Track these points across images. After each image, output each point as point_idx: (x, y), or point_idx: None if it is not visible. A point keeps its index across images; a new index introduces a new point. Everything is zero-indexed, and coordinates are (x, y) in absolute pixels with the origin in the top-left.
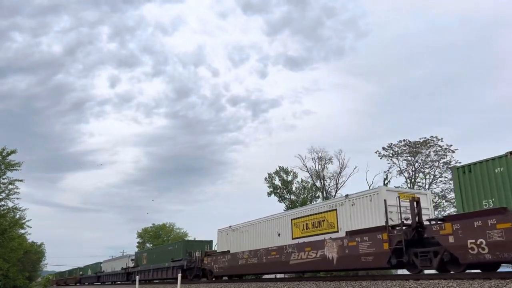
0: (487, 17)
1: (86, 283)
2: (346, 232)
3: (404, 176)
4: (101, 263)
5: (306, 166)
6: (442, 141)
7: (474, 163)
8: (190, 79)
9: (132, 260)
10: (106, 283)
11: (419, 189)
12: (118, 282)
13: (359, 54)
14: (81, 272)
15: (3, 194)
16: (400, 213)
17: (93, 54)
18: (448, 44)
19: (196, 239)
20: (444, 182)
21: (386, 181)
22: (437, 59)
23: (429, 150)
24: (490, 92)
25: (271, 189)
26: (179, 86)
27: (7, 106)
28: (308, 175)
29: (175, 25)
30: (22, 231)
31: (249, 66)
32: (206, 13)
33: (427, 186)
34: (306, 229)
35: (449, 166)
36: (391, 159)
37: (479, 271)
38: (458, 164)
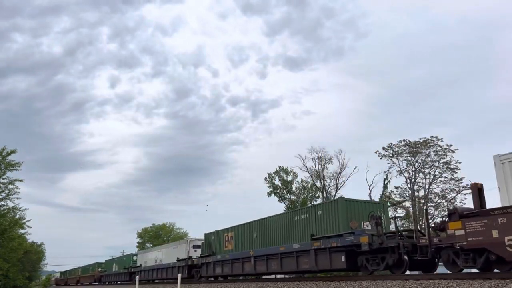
0: (487, 17)
1: (108, 282)
2: None
3: (404, 176)
4: (134, 254)
5: (306, 166)
6: (442, 141)
7: None
8: (190, 79)
9: (194, 246)
10: (142, 281)
11: (418, 189)
12: (170, 279)
13: (359, 55)
14: (99, 269)
15: (3, 194)
16: None
17: (93, 55)
18: (448, 44)
19: None
20: (444, 182)
21: (386, 181)
22: (437, 59)
23: (429, 150)
24: (490, 93)
25: (271, 189)
26: (179, 87)
27: (7, 106)
28: (308, 175)
29: (175, 26)
30: (22, 231)
31: (248, 67)
32: (205, 14)
33: (427, 186)
34: None
35: (448, 166)
36: (391, 159)
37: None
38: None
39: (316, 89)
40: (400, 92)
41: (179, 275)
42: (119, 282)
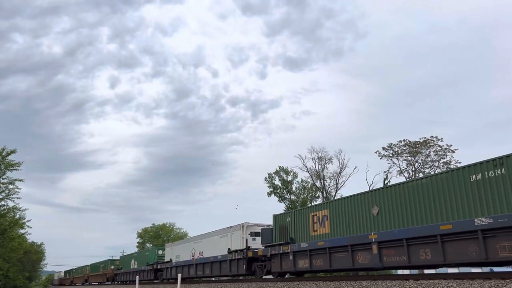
0: (485, 18)
1: (124, 282)
2: None
3: (404, 176)
4: (160, 248)
5: (306, 166)
6: (442, 141)
7: None
8: (190, 79)
9: (252, 234)
10: (171, 280)
11: None
12: (218, 277)
13: (358, 55)
14: (113, 266)
15: (3, 194)
16: None
17: (93, 55)
18: (447, 45)
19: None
20: None
21: (386, 181)
22: (436, 59)
23: (429, 150)
24: (491, 93)
25: (271, 189)
26: (179, 87)
27: (8, 107)
28: (308, 175)
29: (174, 26)
30: (22, 231)
31: (248, 67)
32: (205, 14)
33: None
34: None
35: (448, 166)
36: (391, 159)
37: (479, 270)
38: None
39: (315, 89)
40: (400, 92)
41: (179, 275)
42: (152, 282)
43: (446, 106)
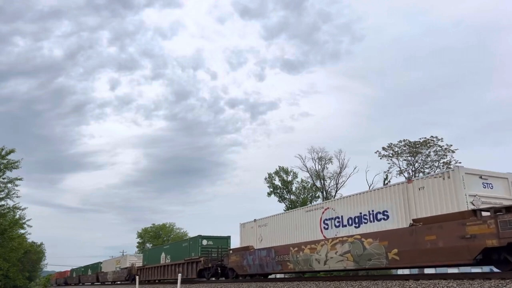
0: (482, 20)
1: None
2: None
3: (404, 176)
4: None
5: (306, 166)
6: (442, 141)
7: None
8: (189, 82)
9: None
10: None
11: None
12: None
13: (356, 58)
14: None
15: (3, 194)
16: None
17: (93, 58)
18: (444, 47)
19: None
20: None
21: (386, 181)
22: (434, 61)
23: (429, 150)
24: (487, 95)
25: (271, 189)
26: (178, 89)
27: (8, 109)
28: (308, 175)
29: (174, 30)
30: (22, 231)
31: (247, 70)
32: (204, 18)
33: None
34: None
35: (448, 166)
36: (391, 159)
37: (479, 270)
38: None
39: (313, 91)
40: (398, 94)
41: (179, 274)
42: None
43: (443, 108)
